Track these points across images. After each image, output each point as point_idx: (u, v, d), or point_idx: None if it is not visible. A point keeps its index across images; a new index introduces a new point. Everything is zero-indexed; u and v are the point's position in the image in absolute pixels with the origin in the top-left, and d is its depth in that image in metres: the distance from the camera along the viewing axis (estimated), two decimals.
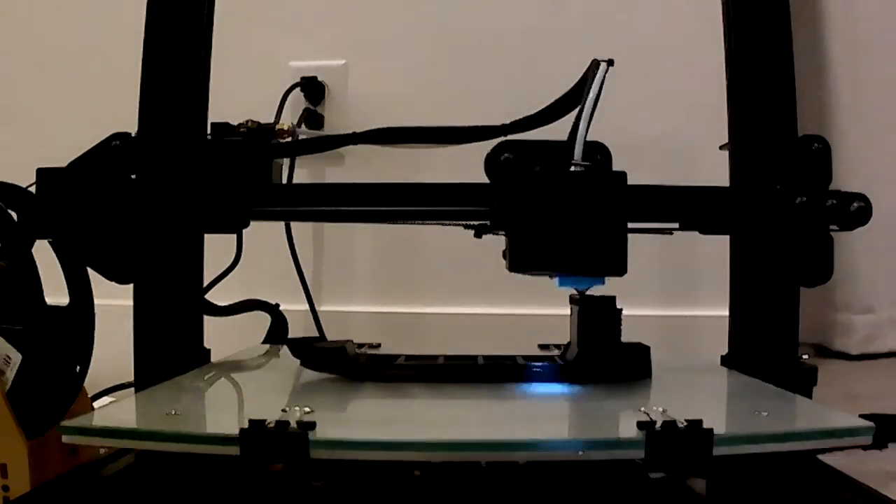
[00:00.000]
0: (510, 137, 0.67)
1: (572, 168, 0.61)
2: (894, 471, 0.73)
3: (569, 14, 1.26)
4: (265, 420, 0.47)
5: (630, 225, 0.62)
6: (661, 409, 0.50)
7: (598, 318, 0.66)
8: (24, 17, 1.36)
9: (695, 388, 0.69)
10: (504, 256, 0.64)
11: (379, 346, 0.82)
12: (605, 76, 0.62)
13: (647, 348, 0.68)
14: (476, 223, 0.70)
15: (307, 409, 0.51)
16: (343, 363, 0.68)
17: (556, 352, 0.78)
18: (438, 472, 0.56)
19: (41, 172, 0.67)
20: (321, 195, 0.70)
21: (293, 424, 0.47)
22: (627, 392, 0.63)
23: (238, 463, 0.47)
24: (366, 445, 0.48)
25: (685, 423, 0.47)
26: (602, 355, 0.66)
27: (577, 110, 0.63)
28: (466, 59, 1.27)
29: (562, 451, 0.48)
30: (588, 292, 0.67)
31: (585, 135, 0.62)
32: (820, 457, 0.61)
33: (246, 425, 0.47)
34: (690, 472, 0.56)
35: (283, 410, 0.51)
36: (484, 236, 0.71)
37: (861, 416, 0.52)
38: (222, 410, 0.62)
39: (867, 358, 1.46)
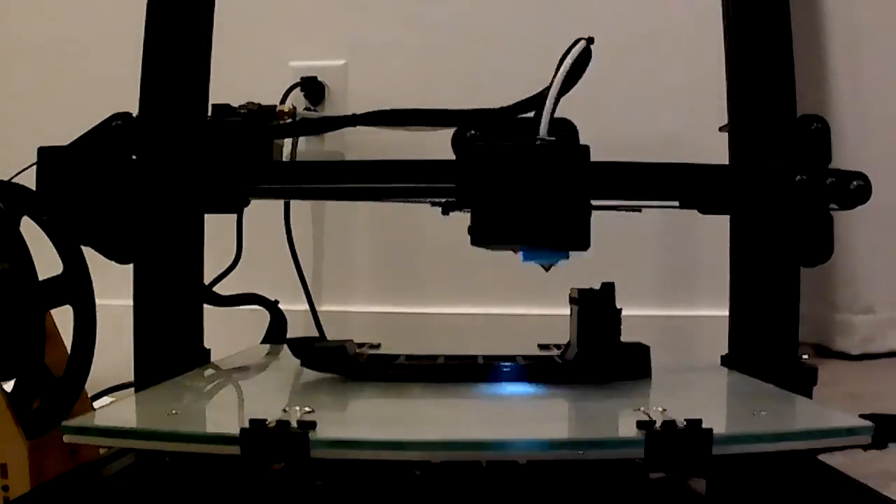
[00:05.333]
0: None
1: (537, 143, 0.60)
2: (894, 471, 0.73)
3: (569, 14, 1.26)
4: (266, 420, 0.48)
5: (597, 203, 0.60)
6: (660, 409, 0.50)
7: (597, 317, 0.67)
8: (23, 9, 1.36)
9: (694, 387, 0.70)
10: (469, 232, 0.63)
11: (379, 345, 0.82)
12: (580, 53, 0.60)
13: (647, 348, 0.68)
14: (443, 200, 0.69)
15: (307, 409, 0.51)
16: (343, 363, 0.68)
17: (555, 351, 0.78)
18: (439, 472, 0.56)
19: (42, 151, 0.67)
20: (290, 173, 0.70)
21: (294, 424, 0.48)
22: (627, 392, 0.63)
23: (239, 462, 0.47)
24: (366, 445, 0.48)
25: (684, 423, 0.47)
26: (601, 355, 0.66)
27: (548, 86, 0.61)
28: (466, 59, 1.27)
29: (562, 451, 0.48)
30: (587, 287, 0.67)
31: (553, 110, 0.60)
32: (820, 457, 0.61)
33: (247, 425, 0.47)
34: (690, 472, 0.56)
35: (284, 410, 0.51)
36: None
37: (861, 415, 0.52)
38: (223, 410, 0.62)
39: (867, 358, 1.46)
